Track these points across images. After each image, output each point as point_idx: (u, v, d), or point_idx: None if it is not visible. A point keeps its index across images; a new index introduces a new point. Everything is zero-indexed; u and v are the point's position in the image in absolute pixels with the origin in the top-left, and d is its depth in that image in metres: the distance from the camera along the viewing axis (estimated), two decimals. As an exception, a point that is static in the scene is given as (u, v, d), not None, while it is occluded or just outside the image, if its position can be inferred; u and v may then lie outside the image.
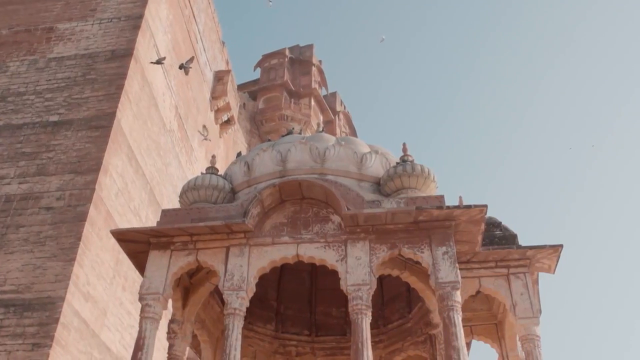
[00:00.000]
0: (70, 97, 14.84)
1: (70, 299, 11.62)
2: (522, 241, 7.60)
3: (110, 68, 15.30)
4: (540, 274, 7.77)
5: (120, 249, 7.82)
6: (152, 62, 13.58)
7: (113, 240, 9.73)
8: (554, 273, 7.66)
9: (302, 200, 7.34)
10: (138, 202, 15.49)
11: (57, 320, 11.19)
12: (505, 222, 7.85)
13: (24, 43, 16.31)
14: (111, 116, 14.24)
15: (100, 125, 14.12)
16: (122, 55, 15.55)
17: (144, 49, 16.31)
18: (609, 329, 63.06)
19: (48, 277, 11.78)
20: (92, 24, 16.47)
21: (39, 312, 11.32)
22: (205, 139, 7.97)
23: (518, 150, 78.55)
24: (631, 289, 65.35)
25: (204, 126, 8.18)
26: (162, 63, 12.15)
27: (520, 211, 68.97)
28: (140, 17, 16.36)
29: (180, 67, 19.30)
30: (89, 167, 13.39)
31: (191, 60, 19.74)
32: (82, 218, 12.58)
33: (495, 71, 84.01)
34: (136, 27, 16.13)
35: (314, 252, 6.98)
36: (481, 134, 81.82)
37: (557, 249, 7.39)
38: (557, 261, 7.51)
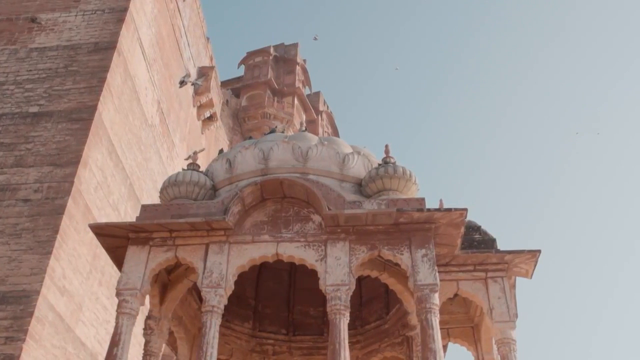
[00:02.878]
0: (51, 88, 14.65)
1: (45, 292, 11.47)
2: (501, 245, 7.68)
3: (92, 60, 15.12)
4: (518, 278, 7.85)
5: (98, 244, 7.74)
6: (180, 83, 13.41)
7: (91, 234, 9.62)
8: (531, 278, 7.75)
9: (283, 199, 7.34)
10: (117, 197, 15.35)
11: (31, 314, 11.04)
12: (485, 226, 7.92)
13: (5, 32, 16.05)
14: (92, 109, 14.08)
15: (81, 117, 13.95)
16: (105, 47, 15.38)
17: (127, 42, 16.17)
18: (585, 333, 63.90)
19: (23, 270, 11.61)
20: (76, 15, 16.27)
21: (13, 306, 11.15)
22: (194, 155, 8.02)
23: (499, 154, 79.27)
24: (608, 293, 66.26)
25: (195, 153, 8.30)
26: (186, 82, 12.12)
27: (500, 215, 69.58)
28: (125, 9, 16.20)
29: (193, 84, 19.55)
30: (68, 159, 13.22)
31: (201, 76, 19.89)
32: (59, 211, 12.42)
33: (477, 74, 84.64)
34: (120, 20, 15.97)
35: (293, 251, 6.98)
36: (463, 137, 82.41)
37: (534, 254, 7.47)
38: (535, 266, 7.59)
